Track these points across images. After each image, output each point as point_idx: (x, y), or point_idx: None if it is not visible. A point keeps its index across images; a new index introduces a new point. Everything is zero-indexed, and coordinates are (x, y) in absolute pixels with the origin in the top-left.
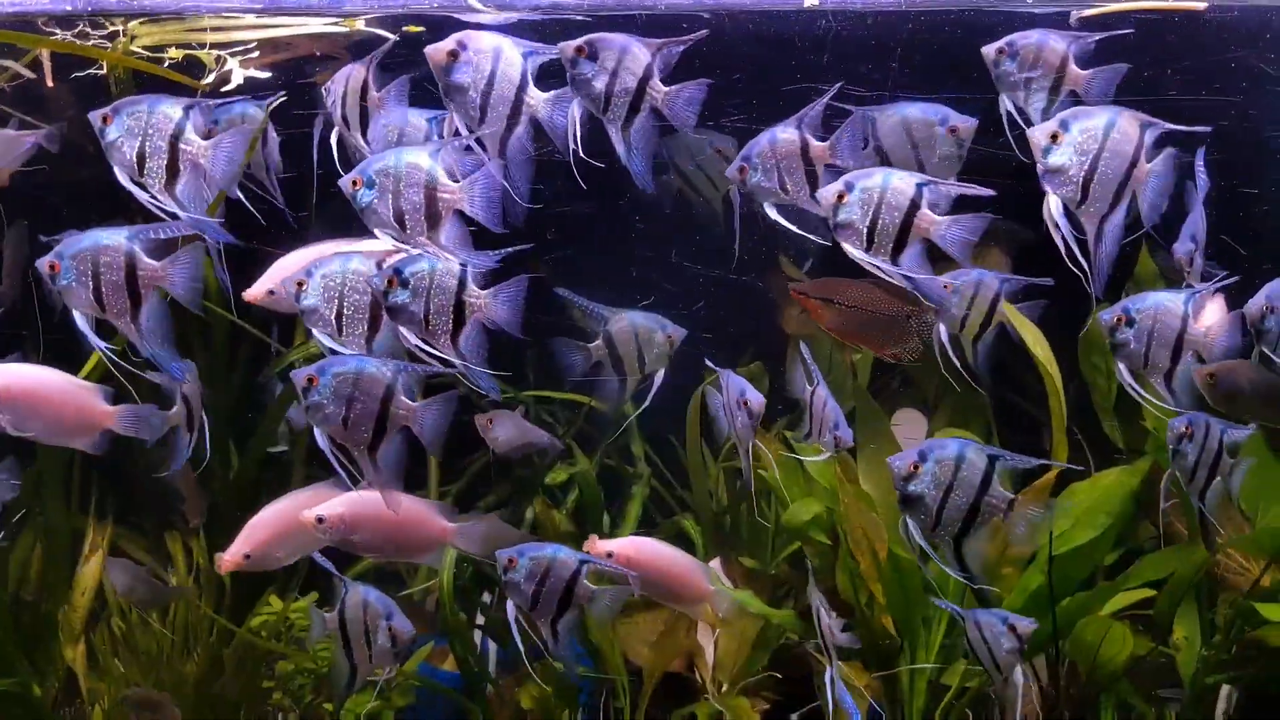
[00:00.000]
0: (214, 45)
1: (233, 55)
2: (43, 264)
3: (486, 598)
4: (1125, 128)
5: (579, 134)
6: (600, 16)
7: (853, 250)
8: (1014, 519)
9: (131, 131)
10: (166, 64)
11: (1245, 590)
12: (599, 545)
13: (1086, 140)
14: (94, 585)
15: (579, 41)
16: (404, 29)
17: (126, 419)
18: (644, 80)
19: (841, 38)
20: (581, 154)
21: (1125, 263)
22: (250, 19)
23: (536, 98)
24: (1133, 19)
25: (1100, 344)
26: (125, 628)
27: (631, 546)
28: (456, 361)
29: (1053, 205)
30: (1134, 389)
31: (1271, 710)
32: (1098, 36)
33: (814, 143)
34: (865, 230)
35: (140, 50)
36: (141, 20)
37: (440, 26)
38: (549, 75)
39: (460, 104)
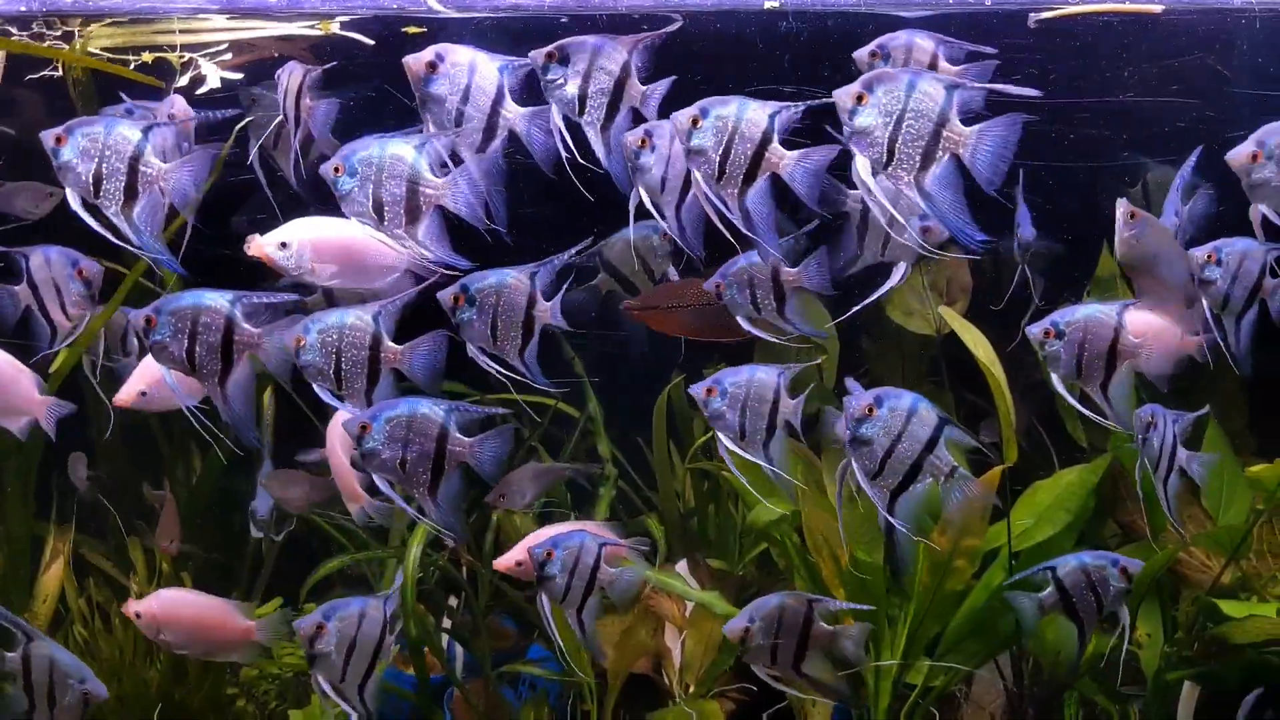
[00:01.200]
0: (185, 47)
1: (204, 57)
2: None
3: (453, 601)
4: (927, 89)
5: (566, 139)
6: (561, 18)
7: (700, 181)
8: (951, 484)
9: (87, 153)
10: (133, 66)
11: (1207, 587)
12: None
13: (890, 101)
14: (55, 592)
15: (549, 47)
16: (404, 29)
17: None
18: (621, 80)
19: (803, 40)
20: (579, 159)
21: (1087, 263)
22: (218, 21)
23: (514, 112)
24: (1094, 21)
25: None
26: (87, 635)
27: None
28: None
29: (860, 166)
30: (1069, 398)
31: (1232, 706)
32: (969, 46)
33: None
34: (717, 161)
35: (98, 52)
36: (104, 22)
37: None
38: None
39: (436, 115)
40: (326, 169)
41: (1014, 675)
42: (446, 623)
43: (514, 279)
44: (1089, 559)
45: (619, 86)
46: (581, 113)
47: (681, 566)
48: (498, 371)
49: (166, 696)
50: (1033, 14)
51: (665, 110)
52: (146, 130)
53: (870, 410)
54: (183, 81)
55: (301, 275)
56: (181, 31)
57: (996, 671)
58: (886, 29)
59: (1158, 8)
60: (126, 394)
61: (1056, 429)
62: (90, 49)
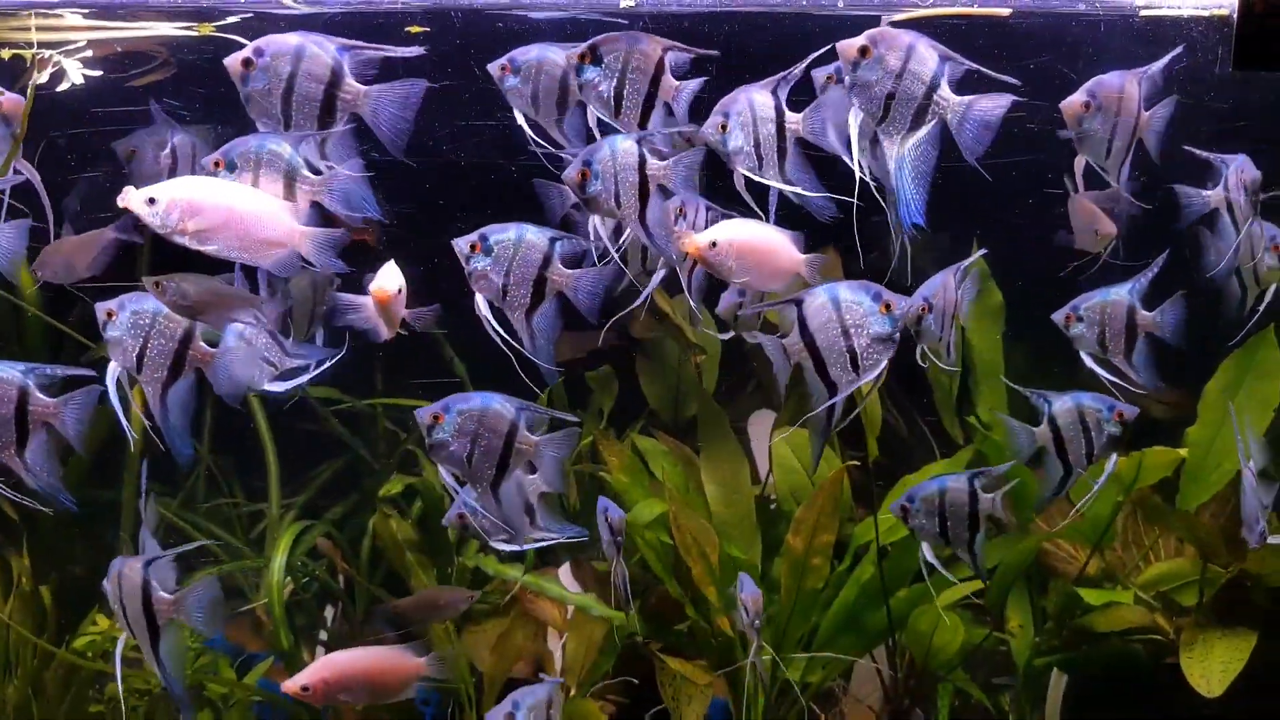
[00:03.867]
0: (42, 44)
1: (63, 54)
2: None
3: (329, 612)
4: (924, 53)
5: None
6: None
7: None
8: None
9: None
10: None
11: (1074, 577)
12: (690, 240)
13: (892, 57)
14: None
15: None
16: (406, 29)
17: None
18: (656, 79)
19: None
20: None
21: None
22: (76, 19)
23: (353, 91)
24: (944, 23)
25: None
26: None
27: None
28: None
29: (852, 121)
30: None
31: (1099, 692)
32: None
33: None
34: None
35: None
36: None
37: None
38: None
39: (262, 110)
40: (207, 162)
41: (889, 668)
42: (324, 635)
43: (533, 236)
44: (1087, 399)
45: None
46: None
47: (564, 570)
48: (502, 338)
49: (24, 714)
50: (885, 16)
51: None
52: None
53: (864, 52)
54: (42, 78)
55: (170, 235)
56: (40, 29)
57: (874, 665)
58: (746, 30)
59: (1006, 11)
60: None
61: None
62: None
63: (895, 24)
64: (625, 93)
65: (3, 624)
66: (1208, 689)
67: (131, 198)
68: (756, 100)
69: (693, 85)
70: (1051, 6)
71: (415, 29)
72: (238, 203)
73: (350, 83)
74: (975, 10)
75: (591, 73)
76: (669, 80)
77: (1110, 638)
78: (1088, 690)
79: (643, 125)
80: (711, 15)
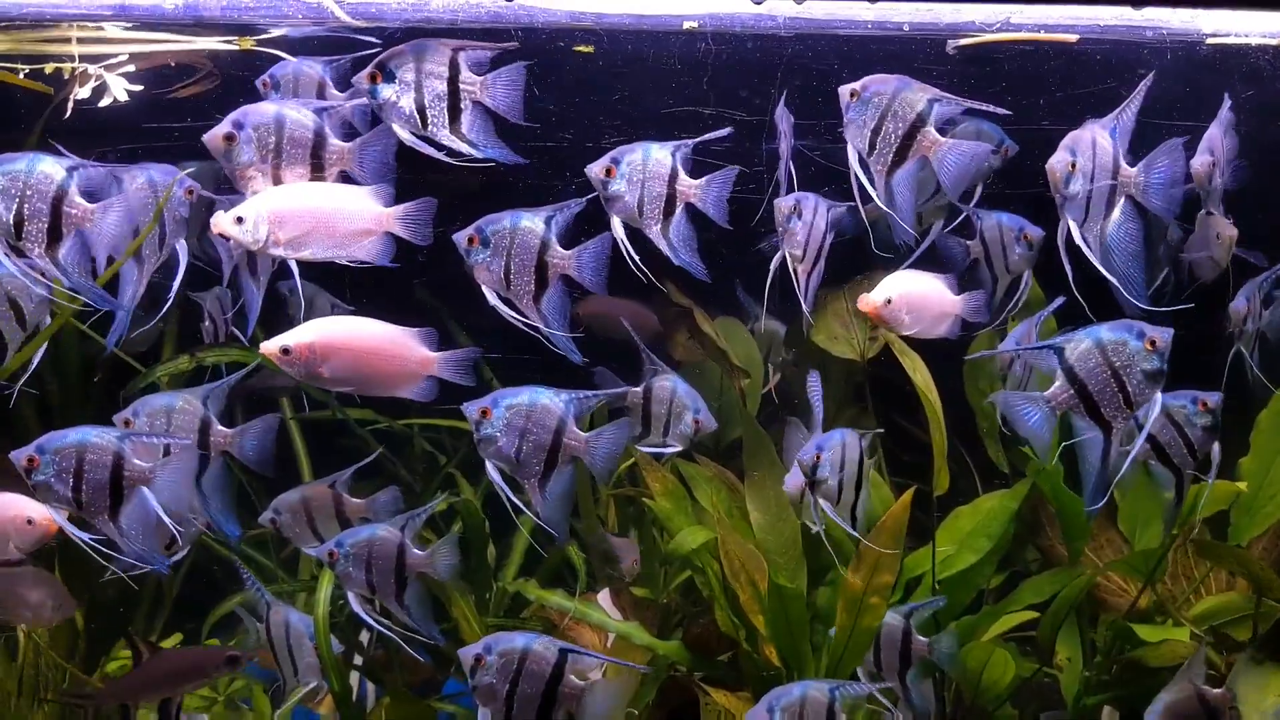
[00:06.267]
0: (84, 58)
1: (105, 69)
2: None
3: (364, 637)
4: (910, 95)
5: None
6: (472, 29)
7: None
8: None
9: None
10: (23, 75)
11: (1124, 611)
12: (866, 300)
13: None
14: None
15: (369, 69)
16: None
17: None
18: (453, 79)
19: (721, 60)
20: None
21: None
22: (119, 31)
23: (338, 149)
24: (1011, 48)
25: (985, 370)
26: None
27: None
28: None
29: (850, 155)
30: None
31: None
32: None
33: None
34: (635, 201)
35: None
36: None
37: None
38: None
39: (249, 184)
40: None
41: (936, 701)
42: (359, 659)
43: (528, 221)
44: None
45: (454, 87)
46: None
47: (604, 596)
48: (522, 324)
49: None
50: (951, 40)
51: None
52: (71, 170)
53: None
54: (83, 93)
55: (265, 249)
56: (80, 40)
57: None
58: (810, 51)
59: (1073, 37)
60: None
61: (979, 453)
62: None
63: (961, 49)
64: (427, 101)
65: (33, 648)
66: None
67: (220, 220)
68: None
69: (506, 75)
70: (1118, 33)
71: (583, 48)
72: (321, 202)
73: (332, 141)
74: (1042, 36)
75: (387, 89)
76: (469, 77)
77: (1162, 673)
78: None
79: (453, 129)
80: (775, 37)
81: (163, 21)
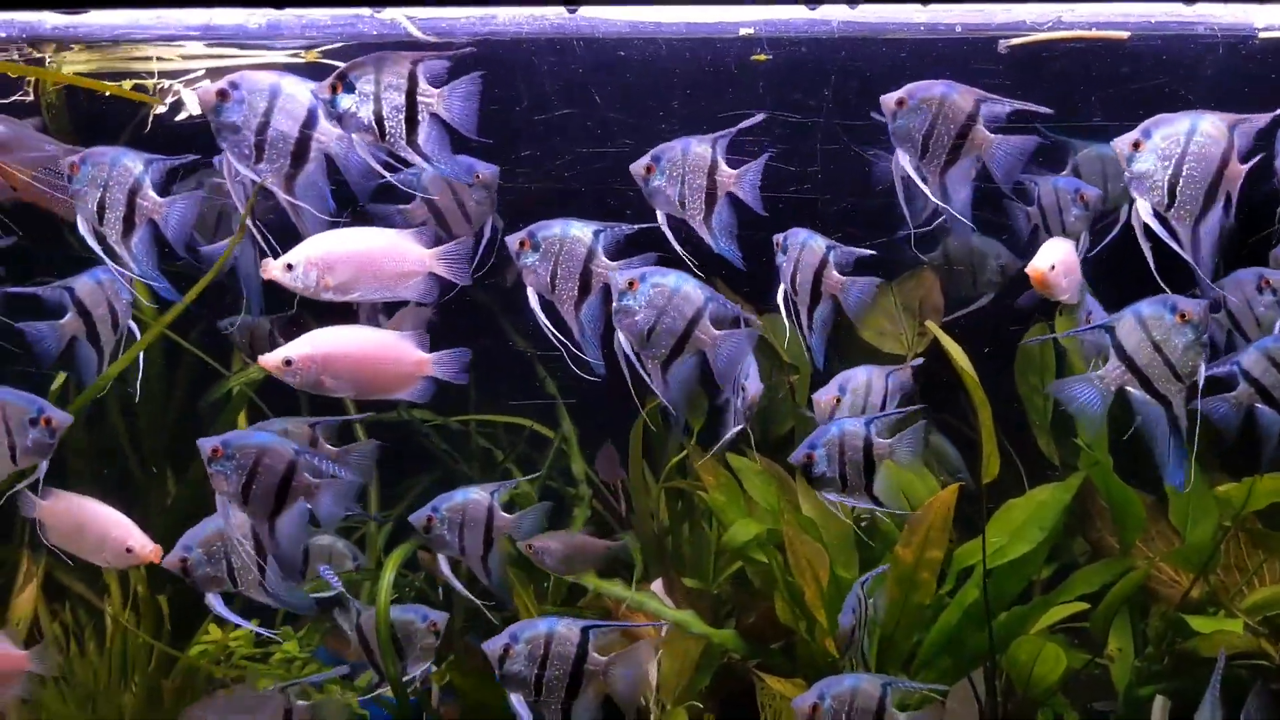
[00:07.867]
0: (162, 74)
1: (183, 84)
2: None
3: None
4: (959, 100)
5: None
6: (537, 40)
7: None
8: None
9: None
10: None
11: (1176, 602)
12: (1033, 266)
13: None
14: (28, 616)
15: (330, 79)
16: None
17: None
18: (411, 92)
19: (776, 64)
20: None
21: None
22: (195, 47)
23: (329, 135)
24: (1062, 47)
25: (1036, 362)
26: (62, 660)
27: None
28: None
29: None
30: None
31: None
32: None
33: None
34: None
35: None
36: (78, 47)
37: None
38: None
39: (233, 144)
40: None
41: (987, 692)
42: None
43: (577, 230)
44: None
45: (412, 99)
46: (383, 136)
47: (657, 585)
48: (553, 334)
49: None
50: (1002, 40)
51: None
52: (148, 164)
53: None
54: (161, 108)
55: (316, 294)
56: (158, 58)
57: (970, 688)
58: (859, 55)
59: (1124, 34)
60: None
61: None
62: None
63: (1013, 48)
64: (385, 112)
65: (121, 630)
66: None
67: (271, 267)
68: None
69: (462, 87)
70: (1169, 29)
71: (760, 57)
72: (366, 246)
73: (324, 126)
74: (1093, 34)
75: (346, 99)
76: (427, 89)
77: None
78: (1191, 716)
79: (410, 140)
80: (828, 40)
81: (247, 40)
